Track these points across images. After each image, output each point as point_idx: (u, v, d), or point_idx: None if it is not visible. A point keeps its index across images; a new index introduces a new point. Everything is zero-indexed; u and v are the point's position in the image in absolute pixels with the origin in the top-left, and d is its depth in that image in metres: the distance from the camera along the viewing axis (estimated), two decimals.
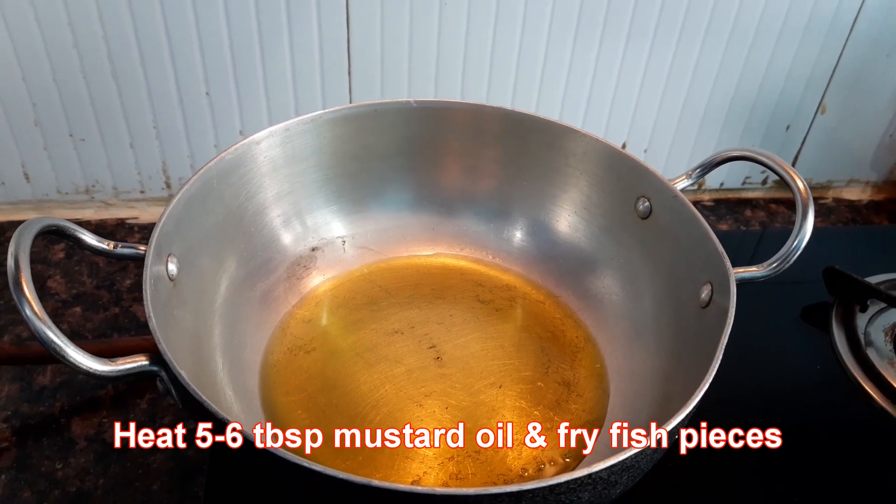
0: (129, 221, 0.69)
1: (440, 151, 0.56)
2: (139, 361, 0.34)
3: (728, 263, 0.41)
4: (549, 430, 0.45)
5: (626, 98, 0.70)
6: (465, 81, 0.66)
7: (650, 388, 0.45)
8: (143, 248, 0.40)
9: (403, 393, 0.47)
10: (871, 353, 0.54)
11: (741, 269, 0.42)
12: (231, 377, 0.45)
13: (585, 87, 0.69)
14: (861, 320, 0.57)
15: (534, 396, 0.47)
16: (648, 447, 0.31)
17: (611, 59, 0.67)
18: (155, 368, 0.35)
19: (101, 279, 0.62)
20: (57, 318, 0.58)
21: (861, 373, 0.53)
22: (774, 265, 0.42)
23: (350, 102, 0.65)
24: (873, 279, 0.60)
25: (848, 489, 0.47)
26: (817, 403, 0.53)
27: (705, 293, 0.43)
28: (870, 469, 0.49)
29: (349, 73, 0.64)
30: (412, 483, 0.42)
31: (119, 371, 0.34)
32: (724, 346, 0.37)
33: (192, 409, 0.35)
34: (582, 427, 0.46)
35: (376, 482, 0.29)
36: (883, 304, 0.58)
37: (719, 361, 0.36)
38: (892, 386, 0.52)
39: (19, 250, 0.33)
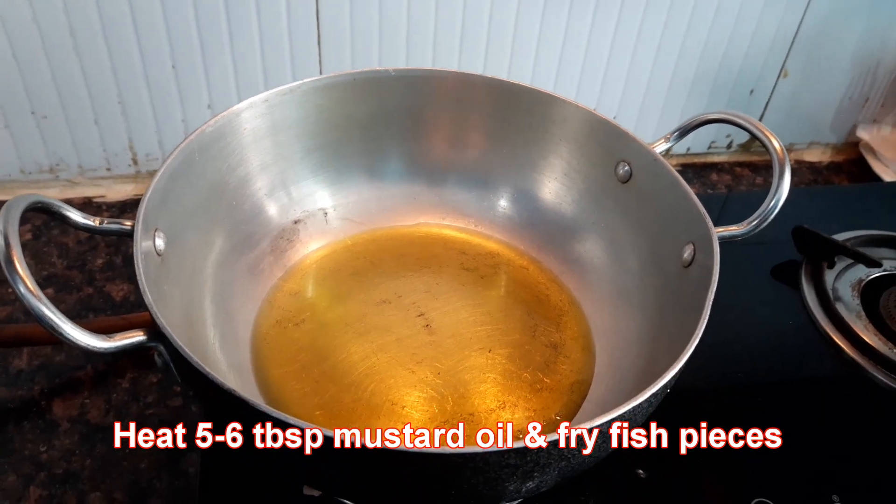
0: (96, 200, 0.68)
1: (420, 121, 0.55)
2: (137, 336, 0.34)
3: (710, 223, 0.43)
4: (540, 391, 0.46)
5: (596, 64, 0.71)
6: (436, 50, 0.66)
7: (636, 347, 0.46)
8: (128, 223, 0.39)
9: (395, 360, 0.47)
10: (840, 308, 0.56)
11: (722, 229, 0.44)
12: (223, 351, 0.44)
13: (555, 54, 0.69)
14: (829, 276, 0.59)
15: (522, 359, 0.48)
16: (645, 402, 0.33)
17: (580, 26, 0.68)
18: (153, 343, 0.34)
19: (71, 259, 0.61)
20: None
21: (831, 326, 0.55)
22: (754, 223, 0.44)
23: (320, 72, 0.65)
24: (839, 237, 0.62)
25: (821, 439, 0.49)
26: (790, 357, 0.55)
27: (687, 253, 0.44)
28: (841, 419, 0.51)
29: (319, 44, 0.64)
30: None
31: (118, 347, 0.33)
32: (710, 304, 0.38)
33: (193, 382, 0.35)
34: (571, 387, 0.47)
35: (388, 445, 0.29)
36: (850, 261, 0.61)
37: (707, 318, 0.37)
38: (860, 338, 0.54)
39: (8, 227, 0.33)
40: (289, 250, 0.53)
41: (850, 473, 0.47)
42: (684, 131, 0.49)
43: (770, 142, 0.45)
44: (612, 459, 0.45)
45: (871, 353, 0.53)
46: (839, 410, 0.51)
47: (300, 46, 0.63)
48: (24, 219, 0.62)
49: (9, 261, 0.32)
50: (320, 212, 0.55)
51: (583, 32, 0.68)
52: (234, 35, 0.61)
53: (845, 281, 0.59)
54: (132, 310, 0.58)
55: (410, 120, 0.55)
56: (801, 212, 0.69)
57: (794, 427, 0.49)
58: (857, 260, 0.59)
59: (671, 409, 0.48)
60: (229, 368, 0.44)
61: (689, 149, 0.80)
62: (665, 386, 0.34)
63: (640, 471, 0.46)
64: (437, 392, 0.46)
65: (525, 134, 0.54)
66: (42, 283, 0.59)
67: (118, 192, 0.69)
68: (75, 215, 0.38)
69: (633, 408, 0.33)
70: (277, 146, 0.51)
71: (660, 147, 0.49)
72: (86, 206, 0.67)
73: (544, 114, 0.53)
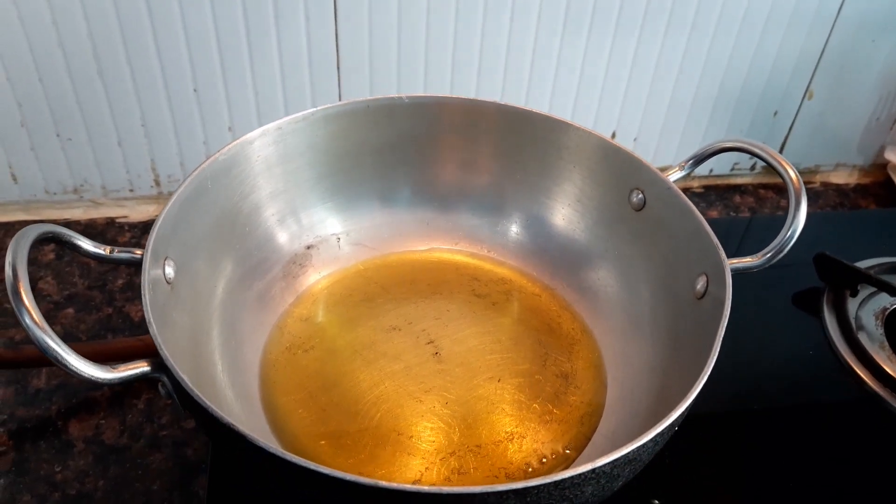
0: (118, 220, 0.69)
1: (433, 147, 0.56)
2: (141, 367, 0.34)
3: (723, 254, 0.42)
4: (549, 423, 0.46)
5: (615, 88, 0.70)
6: (455, 76, 0.66)
7: (647, 378, 0.46)
8: (139, 252, 0.40)
9: (403, 389, 0.47)
10: (863, 337, 0.55)
11: (736, 260, 0.43)
12: (230, 378, 0.45)
13: (574, 79, 0.69)
14: (852, 305, 0.58)
15: (532, 389, 0.48)
16: (649, 441, 0.32)
17: (599, 51, 0.67)
18: (157, 374, 0.35)
19: (92, 280, 0.62)
20: (50, 320, 0.58)
21: (853, 357, 0.54)
22: (769, 255, 0.43)
23: (339, 98, 0.65)
24: (863, 263, 0.61)
25: (840, 471, 0.48)
26: (810, 388, 0.54)
27: (700, 284, 0.44)
28: (861, 451, 0.49)
29: (338, 69, 0.64)
30: (415, 481, 0.42)
31: (121, 378, 0.34)
32: (721, 339, 0.37)
33: (195, 414, 0.35)
34: (581, 419, 0.46)
35: (384, 483, 0.29)
36: (873, 289, 0.59)
37: (717, 353, 0.36)
38: (882, 369, 0.52)
39: (17, 259, 0.33)
40: (301, 276, 0.54)
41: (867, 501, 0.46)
42: (699, 160, 0.49)
43: (786, 171, 0.44)
44: (627, 488, 0.45)
45: (892, 384, 0.52)
46: (859, 441, 0.50)
47: (320, 71, 0.64)
48: (44, 241, 0.63)
49: (16, 292, 0.32)
50: (333, 237, 0.55)
51: (602, 56, 0.68)
52: (254, 59, 0.62)
53: (869, 310, 0.58)
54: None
55: (423, 146, 0.55)
56: (825, 236, 0.68)
57: (813, 457, 0.48)
58: (881, 288, 0.58)
59: (688, 436, 0.48)
60: (236, 395, 0.44)
61: (711, 170, 0.79)
62: (672, 424, 0.34)
63: (656, 501, 0.45)
64: (444, 422, 0.45)
65: (538, 160, 0.54)
66: (63, 303, 0.60)
67: (141, 212, 0.70)
68: (86, 244, 0.39)
69: (638, 448, 0.32)
70: (290, 173, 0.52)
71: (674, 175, 0.48)
72: (109, 225, 0.68)
73: (557, 140, 0.53)
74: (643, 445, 0.32)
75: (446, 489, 0.30)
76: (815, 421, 0.51)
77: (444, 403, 0.46)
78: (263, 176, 0.50)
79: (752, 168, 0.80)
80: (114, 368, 0.34)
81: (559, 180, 0.55)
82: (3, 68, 0.59)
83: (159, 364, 0.35)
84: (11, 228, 0.66)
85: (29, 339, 0.55)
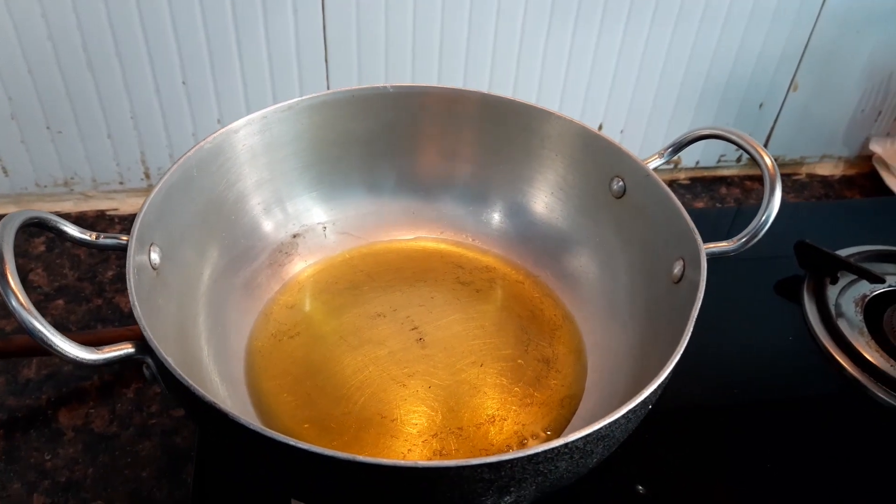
0: (109, 213, 0.69)
1: (418, 136, 0.56)
2: (125, 349, 0.35)
3: (699, 239, 0.42)
4: (530, 406, 0.46)
5: (602, 80, 0.71)
6: (442, 66, 0.67)
7: (627, 362, 0.46)
8: (125, 238, 0.40)
9: (387, 374, 0.48)
10: (842, 324, 0.56)
11: (712, 245, 0.43)
12: (217, 363, 0.45)
13: (561, 70, 0.69)
14: (832, 292, 0.59)
15: (514, 374, 0.48)
16: (622, 418, 0.33)
17: (586, 42, 0.68)
18: (141, 356, 0.35)
19: (82, 271, 0.63)
20: (41, 311, 0.57)
21: (832, 343, 0.55)
22: (743, 240, 0.44)
23: (328, 88, 0.66)
24: (845, 252, 0.61)
25: (821, 456, 0.49)
26: (791, 374, 0.54)
27: (678, 269, 0.44)
28: (841, 436, 0.50)
29: (326, 60, 0.65)
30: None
31: (105, 359, 0.34)
32: (694, 319, 0.38)
33: (178, 395, 0.35)
34: (561, 401, 0.47)
35: (362, 458, 0.30)
36: (853, 276, 0.60)
37: (689, 334, 0.37)
38: (862, 355, 0.53)
39: (3, 243, 0.34)
40: (287, 264, 0.54)
41: (850, 491, 0.47)
42: (678, 147, 0.49)
43: (762, 158, 0.44)
44: (612, 475, 0.46)
45: (872, 371, 0.53)
46: (839, 428, 0.51)
47: (308, 62, 0.64)
48: (38, 232, 0.64)
49: (2, 276, 0.33)
50: (319, 226, 0.56)
51: (588, 48, 0.68)
52: (243, 51, 0.63)
53: (849, 297, 0.59)
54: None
55: (408, 136, 0.56)
56: (809, 226, 0.69)
57: (794, 442, 0.49)
58: (860, 276, 0.58)
59: (672, 423, 0.48)
60: (222, 380, 0.45)
61: (698, 162, 0.80)
62: (645, 401, 0.34)
63: (640, 487, 0.46)
64: (427, 406, 0.46)
65: (521, 149, 0.55)
66: (53, 294, 0.60)
67: (131, 205, 0.70)
68: (72, 230, 0.40)
69: (610, 423, 0.33)
70: (275, 162, 0.52)
71: (653, 163, 0.49)
72: (99, 218, 0.69)
73: (539, 129, 0.53)
74: (615, 422, 0.33)
75: (423, 463, 0.30)
76: (796, 407, 0.52)
77: (427, 387, 0.47)
78: (249, 165, 0.51)
79: (738, 160, 0.81)
80: (98, 350, 0.34)
81: (541, 169, 0.55)
82: None
83: (144, 346, 0.35)
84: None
85: (19, 329, 0.57)
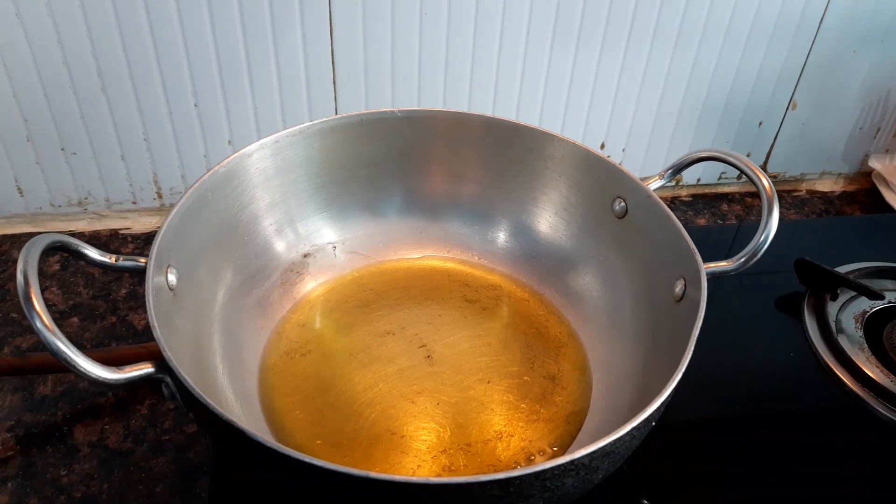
0: (122, 232, 0.71)
1: (425, 158, 0.57)
2: (145, 369, 0.36)
3: (699, 259, 0.44)
4: (536, 422, 0.47)
5: (603, 101, 0.72)
6: (447, 89, 0.68)
7: (630, 379, 0.47)
8: (143, 260, 0.41)
9: (396, 391, 0.49)
10: (843, 340, 0.57)
11: (712, 265, 0.45)
12: (231, 381, 0.46)
13: (563, 92, 0.71)
14: (832, 308, 0.60)
15: (520, 390, 0.49)
16: (626, 435, 0.34)
17: (587, 65, 0.69)
18: (161, 375, 0.36)
19: (96, 290, 0.64)
20: None
21: (833, 359, 0.56)
22: (742, 259, 0.45)
23: (336, 111, 0.67)
24: (844, 268, 0.62)
25: (821, 470, 0.49)
26: (791, 389, 0.55)
27: (679, 288, 0.45)
28: (842, 451, 0.51)
29: (334, 83, 0.66)
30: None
31: (127, 378, 0.35)
32: (695, 339, 0.39)
33: (197, 413, 0.36)
34: (567, 418, 0.48)
35: (374, 474, 0.31)
36: (853, 293, 0.61)
37: (691, 352, 0.38)
38: (862, 371, 0.54)
39: (28, 266, 0.35)
40: (298, 283, 0.55)
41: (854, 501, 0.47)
42: (678, 169, 0.50)
43: (759, 179, 0.46)
44: (617, 488, 0.46)
45: (872, 386, 0.53)
46: (840, 442, 0.51)
47: (316, 85, 0.66)
48: (52, 250, 0.65)
49: (27, 298, 0.34)
50: (329, 246, 0.57)
51: (590, 70, 0.70)
52: (253, 75, 0.64)
53: (849, 313, 0.60)
54: (152, 338, 0.59)
55: (415, 158, 0.57)
56: (809, 243, 0.70)
57: (795, 456, 0.50)
58: (860, 292, 0.59)
59: (675, 437, 0.49)
60: (236, 398, 0.46)
61: (699, 179, 0.81)
62: (648, 419, 0.35)
63: (645, 501, 0.47)
64: (436, 422, 0.47)
65: (525, 171, 0.56)
66: (68, 312, 0.61)
67: (144, 224, 0.71)
68: (93, 253, 0.41)
69: (615, 440, 0.34)
70: (287, 185, 0.54)
71: (654, 184, 0.50)
72: (112, 237, 0.70)
73: (543, 151, 0.55)
74: (620, 439, 0.34)
75: (434, 479, 0.31)
76: (797, 421, 0.52)
77: (435, 404, 0.48)
78: (261, 187, 0.52)
79: (739, 177, 0.82)
80: (120, 370, 0.35)
81: (545, 189, 0.56)
82: (9, 84, 0.61)
83: (163, 366, 0.36)
84: (18, 240, 0.68)
85: (35, 347, 0.58)
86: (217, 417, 0.33)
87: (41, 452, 0.50)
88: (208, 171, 0.47)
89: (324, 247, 0.57)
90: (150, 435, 0.52)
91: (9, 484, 0.48)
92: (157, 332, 0.37)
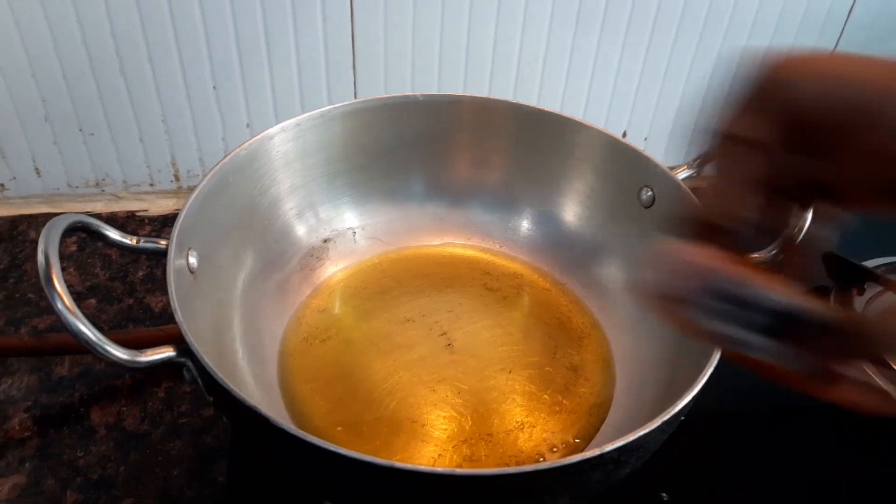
0: (139, 214, 0.70)
1: (447, 144, 0.57)
2: (167, 352, 0.36)
3: None
4: (559, 413, 0.47)
5: (627, 87, 0.71)
6: (468, 74, 0.67)
7: (655, 371, 0.47)
8: (163, 242, 0.41)
9: (416, 379, 0.48)
10: None
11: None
12: (250, 365, 0.46)
13: (586, 78, 0.70)
14: (859, 303, 0.59)
15: (542, 381, 0.49)
16: (656, 429, 0.33)
17: (611, 51, 0.68)
18: (182, 359, 0.36)
19: (114, 271, 0.63)
20: None
21: None
22: (774, 252, 0.44)
23: (355, 95, 0.67)
24: (872, 262, 0.61)
25: (845, 468, 0.49)
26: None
27: None
28: (866, 448, 0.50)
29: (354, 67, 0.65)
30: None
31: (148, 362, 0.35)
32: None
33: (217, 397, 0.36)
34: (590, 410, 0.47)
35: (399, 464, 0.30)
36: (881, 288, 0.60)
37: (720, 353, 0.37)
38: (889, 367, 0.53)
39: (49, 247, 0.35)
40: (318, 268, 0.55)
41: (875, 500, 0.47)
42: (707, 159, 0.49)
43: None
44: (636, 481, 0.46)
45: None
46: (864, 440, 0.51)
47: (336, 69, 0.65)
48: (73, 231, 0.65)
49: (48, 279, 0.34)
50: (349, 231, 0.57)
51: (613, 58, 0.69)
52: (272, 58, 0.64)
53: (875, 308, 0.59)
54: (170, 321, 0.59)
55: (437, 143, 0.56)
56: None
57: (817, 455, 0.49)
58: (888, 287, 0.58)
59: (695, 432, 0.48)
60: (256, 383, 0.45)
61: None
62: (678, 413, 0.35)
63: (664, 494, 0.46)
64: (456, 411, 0.46)
65: (549, 158, 0.55)
66: (85, 294, 0.61)
67: (161, 206, 0.71)
68: (113, 234, 0.40)
69: (645, 434, 0.33)
70: (307, 168, 0.53)
71: (682, 174, 0.49)
72: (129, 219, 0.70)
73: (568, 138, 0.54)
74: (650, 433, 0.33)
75: (459, 471, 0.31)
76: (820, 417, 0.52)
77: (456, 393, 0.47)
78: (282, 171, 0.52)
79: None
80: (141, 353, 0.35)
81: (570, 177, 0.56)
82: (28, 65, 0.60)
83: (184, 349, 0.36)
84: (35, 221, 0.68)
85: (52, 328, 0.58)
86: (239, 403, 0.33)
87: (58, 433, 0.50)
88: (229, 153, 0.47)
89: (344, 232, 0.57)
90: (167, 418, 0.52)
91: (26, 464, 0.48)
92: (179, 315, 0.36)
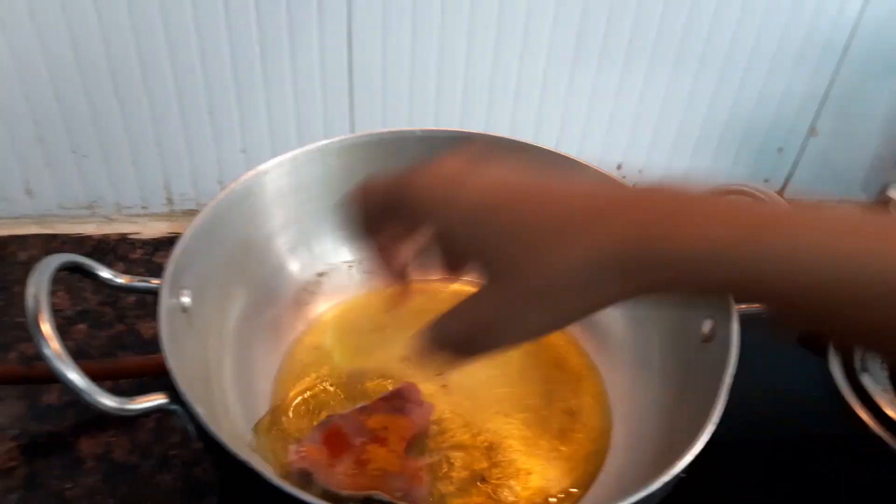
0: (130, 236, 0.70)
1: None
2: (158, 400, 0.35)
3: (730, 299, 0.42)
4: (556, 460, 0.46)
5: (622, 121, 0.71)
6: (465, 108, 0.67)
7: (655, 417, 0.46)
8: (155, 282, 0.40)
9: None
10: (866, 380, 0.56)
11: (744, 305, 0.43)
12: (243, 406, 0.45)
13: (582, 111, 0.70)
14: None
15: (539, 425, 0.48)
16: (657, 490, 0.33)
17: (607, 85, 0.68)
18: (174, 407, 0.35)
19: (104, 296, 0.62)
20: (62, 335, 0.57)
21: (855, 399, 0.55)
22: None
23: (351, 123, 0.66)
24: None
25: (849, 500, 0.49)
26: (812, 428, 0.54)
27: (707, 327, 0.44)
28: (862, 491, 0.50)
29: (350, 95, 0.65)
30: None
31: (139, 409, 0.35)
32: (728, 385, 0.38)
33: (209, 446, 0.35)
34: (587, 457, 0.47)
35: None
36: None
37: (724, 400, 0.37)
38: (884, 412, 0.53)
39: (39, 289, 0.34)
40: (311, 303, 0.54)
41: None
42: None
43: None
44: None
45: (894, 427, 0.52)
46: (861, 483, 0.51)
47: (333, 97, 0.65)
48: (65, 270, 0.64)
49: (35, 323, 0.33)
50: (344, 265, 0.56)
51: (609, 90, 0.69)
52: (269, 84, 0.63)
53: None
54: (160, 350, 0.59)
55: None
56: None
57: (814, 496, 0.49)
58: None
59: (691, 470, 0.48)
60: (248, 423, 0.45)
61: None
62: (678, 473, 0.34)
63: None
64: (452, 456, 0.46)
65: None
66: (75, 318, 0.60)
67: (153, 229, 0.70)
68: (106, 273, 0.40)
69: (644, 497, 0.33)
70: (302, 203, 0.53)
71: None
72: (121, 241, 0.69)
73: (564, 175, 0.53)
74: (650, 494, 0.32)
75: None
76: (817, 460, 0.52)
77: (451, 436, 0.47)
78: (277, 205, 0.51)
79: None
80: (131, 400, 0.34)
81: None
82: (20, 85, 0.60)
83: (176, 397, 0.35)
84: (25, 241, 0.67)
85: (38, 356, 0.57)
86: (232, 458, 0.32)
87: (46, 463, 0.49)
88: (224, 188, 0.46)
89: (339, 266, 0.56)
90: (157, 450, 0.51)
91: (12, 495, 0.47)
92: (170, 362, 0.36)
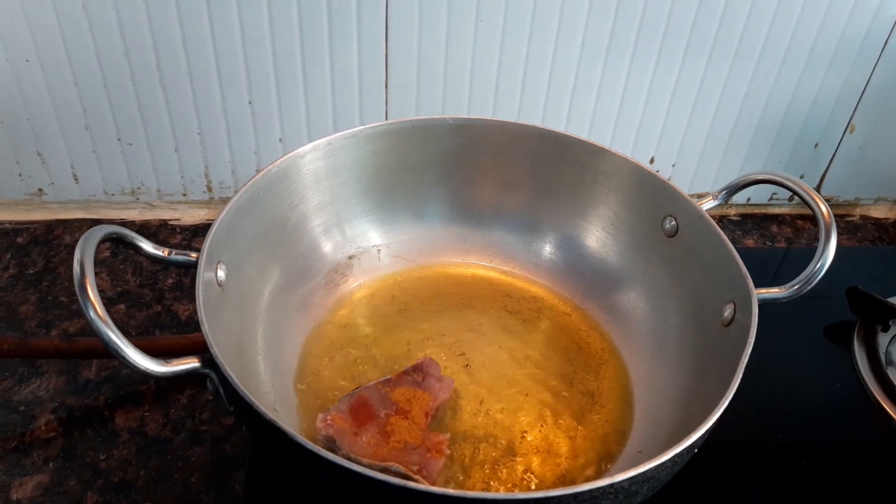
0: (171, 223, 0.72)
1: (473, 166, 0.57)
2: (192, 363, 0.37)
3: (751, 284, 0.43)
4: (574, 439, 0.47)
5: (656, 114, 0.71)
6: (498, 98, 0.68)
7: (673, 401, 0.47)
8: (194, 255, 0.42)
9: None
10: (892, 373, 0.55)
11: (763, 290, 0.44)
12: (272, 378, 0.47)
13: (615, 104, 0.70)
14: (883, 339, 0.58)
15: (559, 406, 0.49)
16: (668, 461, 0.33)
17: (641, 78, 0.69)
18: (206, 370, 0.37)
19: (144, 278, 0.65)
20: None
21: (881, 392, 0.54)
22: (796, 287, 0.44)
23: (386, 114, 0.68)
24: None
25: (863, 502, 0.48)
26: (837, 420, 0.54)
27: (728, 312, 0.45)
28: (886, 484, 0.50)
29: (386, 87, 0.66)
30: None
31: (173, 372, 0.36)
32: (743, 368, 0.38)
33: (239, 410, 0.37)
34: (605, 437, 0.47)
35: (414, 485, 0.31)
36: None
37: (738, 383, 0.37)
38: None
39: (84, 256, 0.36)
40: (342, 284, 0.56)
41: None
42: (732, 190, 0.50)
43: (817, 205, 0.45)
44: None
45: None
46: (884, 476, 0.50)
47: (369, 88, 0.66)
48: (108, 241, 0.66)
49: (82, 287, 0.35)
50: (374, 249, 0.58)
51: (643, 84, 0.69)
52: (307, 76, 0.65)
53: None
54: (195, 329, 0.61)
55: (463, 165, 0.57)
56: (860, 270, 0.68)
57: (837, 488, 0.49)
58: None
59: (713, 461, 0.48)
60: (277, 395, 0.46)
61: (749, 199, 0.79)
62: (691, 446, 0.35)
63: None
64: (472, 434, 0.47)
65: (574, 184, 0.56)
66: (115, 299, 0.62)
67: (192, 216, 0.73)
68: (147, 246, 0.42)
69: (656, 466, 0.33)
70: (336, 186, 0.54)
71: (707, 204, 0.49)
72: (162, 227, 0.71)
73: (594, 165, 0.54)
74: (661, 465, 0.33)
75: (470, 494, 0.31)
76: (840, 452, 0.51)
77: (473, 415, 0.48)
78: (312, 188, 0.53)
79: (791, 199, 0.80)
80: (167, 363, 0.36)
81: (594, 204, 0.56)
82: (71, 74, 0.62)
83: (208, 361, 0.37)
84: (70, 226, 0.70)
85: (81, 331, 0.59)
86: (259, 416, 0.34)
87: (82, 435, 0.51)
88: (261, 169, 0.48)
89: (369, 249, 0.58)
90: (189, 425, 0.53)
91: (50, 464, 0.49)
92: (206, 328, 0.37)
